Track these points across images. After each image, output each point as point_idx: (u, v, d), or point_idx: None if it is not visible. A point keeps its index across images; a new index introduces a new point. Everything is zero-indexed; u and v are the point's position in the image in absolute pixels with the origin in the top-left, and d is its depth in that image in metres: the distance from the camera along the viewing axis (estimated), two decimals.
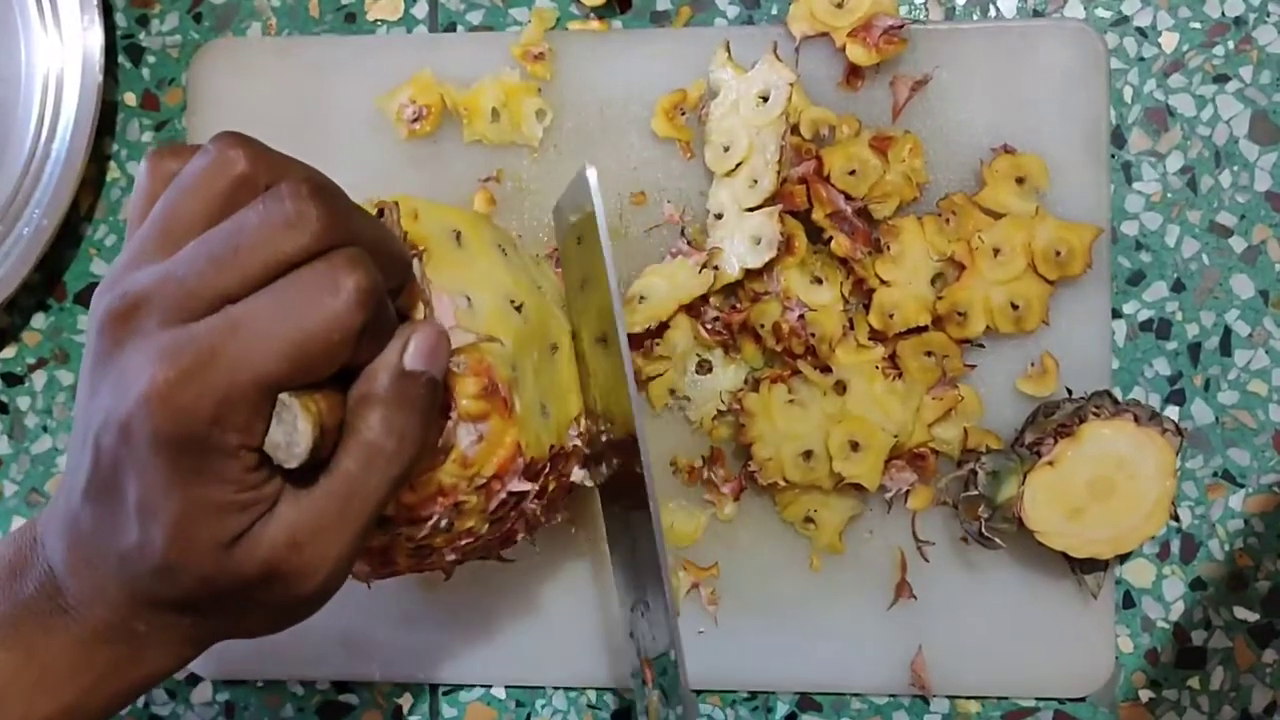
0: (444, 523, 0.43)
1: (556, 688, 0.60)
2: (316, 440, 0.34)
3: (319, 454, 0.35)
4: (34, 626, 0.37)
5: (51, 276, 0.64)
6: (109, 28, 0.62)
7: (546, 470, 0.46)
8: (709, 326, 0.56)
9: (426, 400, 0.37)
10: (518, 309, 0.45)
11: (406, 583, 0.59)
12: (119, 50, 0.64)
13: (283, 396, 0.34)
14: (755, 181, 0.55)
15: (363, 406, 0.36)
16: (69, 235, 0.64)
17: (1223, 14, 0.59)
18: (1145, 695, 0.58)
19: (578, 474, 0.50)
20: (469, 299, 0.43)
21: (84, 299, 0.64)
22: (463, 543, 0.45)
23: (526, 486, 0.44)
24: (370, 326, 0.35)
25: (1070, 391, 0.56)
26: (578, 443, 0.49)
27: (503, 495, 0.44)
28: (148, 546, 0.35)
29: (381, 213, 0.42)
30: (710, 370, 0.57)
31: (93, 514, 0.36)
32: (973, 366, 0.56)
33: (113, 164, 0.64)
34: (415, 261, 0.41)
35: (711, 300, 0.56)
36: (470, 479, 0.42)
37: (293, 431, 0.34)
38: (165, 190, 0.36)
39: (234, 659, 0.61)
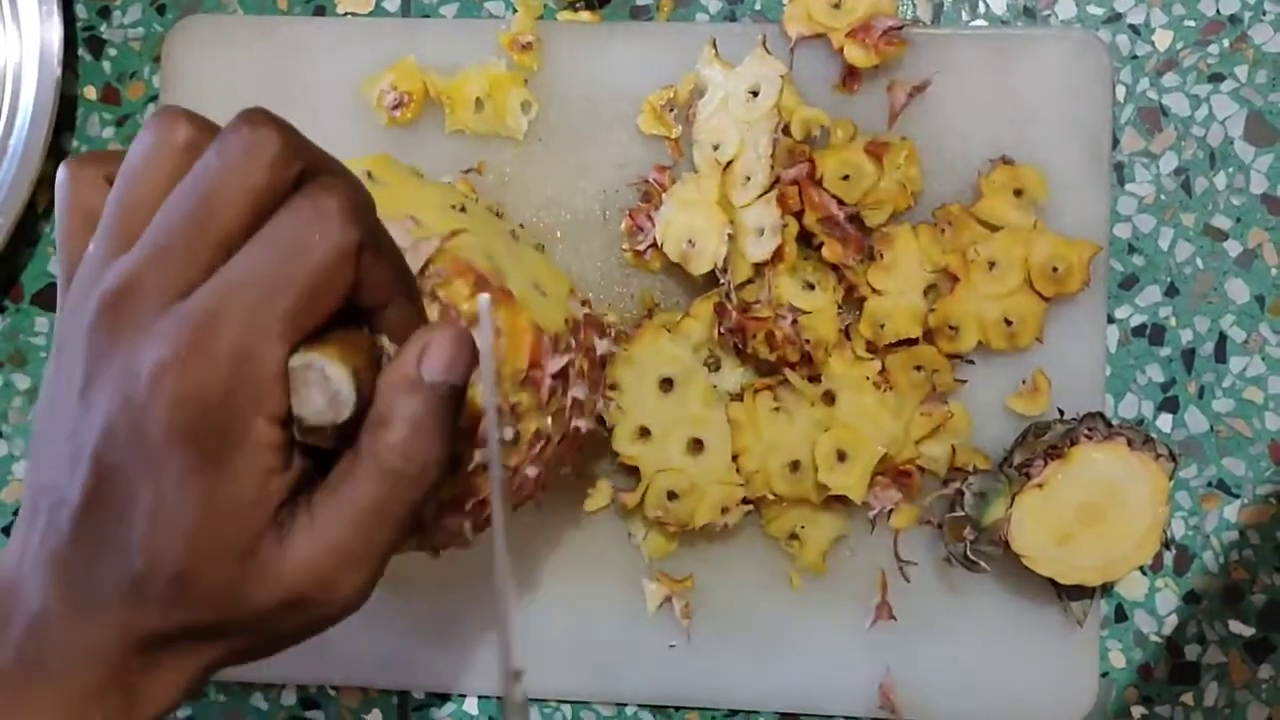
0: (510, 434, 0.41)
1: (532, 700, 0.58)
2: (357, 384, 0.32)
3: (364, 399, 0.32)
4: (8, 698, 0.33)
5: (8, 277, 0.62)
6: (69, 19, 0.60)
7: (573, 344, 0.45)
8: (722, 332, 0.54)
9: (448, 412, 0.34)
10: (461, 210, 0.44)
11: None
12: (79, 42, 0.62)
13: (294, 361, 0.31)
14: (748, 178, 0.53)
15: (380, 429, 0.33)
16: (26, 234, 0.61)
17: (1218, 11, 0.57)
18: (1137, 712, 0.57)
19: (602, 345, 0.48)
20: (414, 218, 0.41)
21: (41, 300, 0.62)
22: (535, 450, 0.43)
23: (564, 360, 0.43)
24: (368, 242, 0.32)
25: (1062, 412, 0.54)
26: (587, 310, 0.48)
27: (549, 382, 0.42)
28: (159, 561, 0.31)
29: None
30: (718, 368, 0.55)
31: (85, 550, 0.32)
32: (963, 382, 0.55)
33: None
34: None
35: (733, 298, 0.54)
36: (512, 377, 0.41)
37: (326, 385, 0.31)
38: (185, 172, 0.32)
39: None
